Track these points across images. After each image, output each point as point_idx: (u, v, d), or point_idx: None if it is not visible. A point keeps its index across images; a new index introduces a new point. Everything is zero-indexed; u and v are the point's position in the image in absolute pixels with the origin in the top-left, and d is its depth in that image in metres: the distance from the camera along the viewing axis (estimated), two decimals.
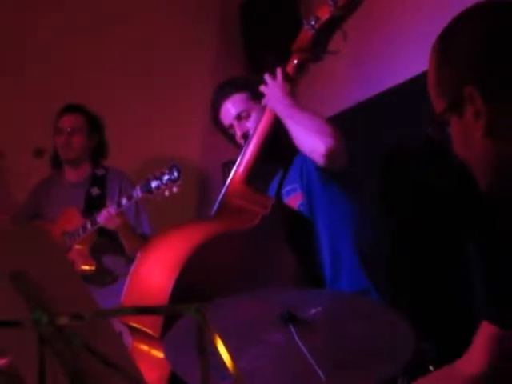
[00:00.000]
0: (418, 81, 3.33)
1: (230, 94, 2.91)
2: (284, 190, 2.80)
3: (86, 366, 0.88)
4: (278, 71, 2.73)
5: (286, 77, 2.72)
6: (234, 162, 2.82)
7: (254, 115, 2.85)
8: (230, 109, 2.89)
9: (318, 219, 2.72)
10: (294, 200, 2.76)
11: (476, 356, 1.49)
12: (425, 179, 3.17)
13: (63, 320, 0.83)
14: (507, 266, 1.40)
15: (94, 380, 0.87)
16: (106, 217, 3.56)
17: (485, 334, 1.47)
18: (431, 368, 2.55)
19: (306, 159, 2.69)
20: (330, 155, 2.58)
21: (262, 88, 2.75)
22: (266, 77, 2.75)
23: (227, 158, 4.34)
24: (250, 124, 2.84)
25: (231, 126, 2.90)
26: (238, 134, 2.86)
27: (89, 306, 0.94)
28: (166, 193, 3.36)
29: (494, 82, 1.30)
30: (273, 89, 2.71)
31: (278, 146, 2.79)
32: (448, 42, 1.38)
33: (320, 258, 2.74)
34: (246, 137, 2.81)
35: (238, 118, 2.87)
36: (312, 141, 2.61)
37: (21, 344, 0.89)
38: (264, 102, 2.75)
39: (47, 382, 0.80)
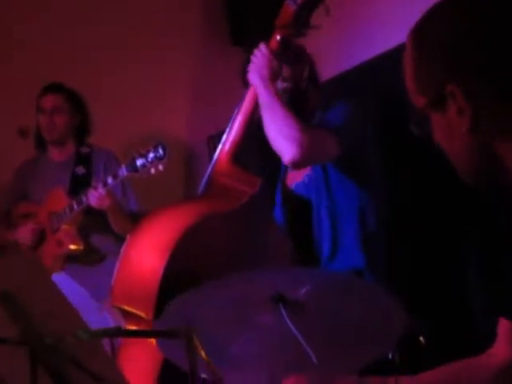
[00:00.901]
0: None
1: None
2: None
3: (75, 381, 0.88)
4: (262, 47, 2.71)
5: (270, 53, 2.69)
6: (220, 135, 2.81)
7: None
8: None
9: (321, 199, 2.74)
10: (299, 175, 2.78)
11: (499, 350, 1.50)
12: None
13: (52, 338, 0.83)
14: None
15: None
16: (96, 198, 3.55)
17: (504, 328, 1.49)
18: (422, 340, 2.57)
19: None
20: (294, 164, 2.61)
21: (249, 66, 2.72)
22: (252, 55, 2.72)
23: (213, 131, 4.33)
24: None
25: None
26: None
27: (76, 324, 0.94)
28: (152, 170, 3.37)
29: (475, 79, 1.27)
30: (257, 65, 2.69)
31: None
32: (423, 38, 1.34)
33: (317, 237, 2.76)
34: None
35: None
36: (279, 144, 2.59)
37: (11, 360, 0.89)
38: (247, 78, 2.72)
39: None
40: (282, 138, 2.58)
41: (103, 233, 3.85)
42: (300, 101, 2.85)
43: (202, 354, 0.89)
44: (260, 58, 2.68)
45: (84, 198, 3.61)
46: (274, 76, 2.68)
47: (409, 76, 1.37)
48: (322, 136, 2.64)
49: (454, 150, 1.35)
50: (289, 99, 2.79)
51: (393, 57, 3.34)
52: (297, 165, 2.61)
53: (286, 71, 2.82)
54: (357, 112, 2.77)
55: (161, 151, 3.32)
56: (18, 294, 0.90)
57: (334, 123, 2.70)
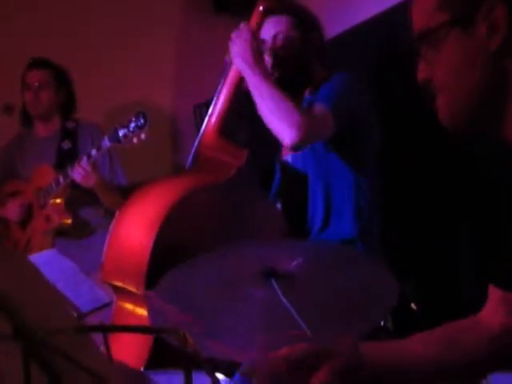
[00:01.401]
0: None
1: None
2: None
3: (69, 376, 0.88)
4: (242, 27, 2.66)
5: (251, 32, 2.64)
6: (206, 104, 2.79)
7: None
8: None
9: (316, 169, 2.73)
10: None
11: (488, 316, 1.50)
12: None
13: (44, 333, 0.83)
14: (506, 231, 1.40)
15: None
16: (80, 174, 3.54)
17: (494, 296, 1.49)
18: (413, 306, 2.59)
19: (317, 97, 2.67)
20: (294, 147, 2.56)
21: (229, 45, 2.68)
22: (232, 33, 2.68)
23: (199, 99, 4.31)
24: None
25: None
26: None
27: (68, 319, 0.94)
28: (135, 140, 3.36)
29: None
30: (239, 47, 2.62)
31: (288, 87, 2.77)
32: None
33: (309, 209, 2.76)
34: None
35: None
36: (276, 128, 2.53)
37: (5, 356, 0.89)
38: (229, 58, 2.68)
39: None
40: (278, 121, 2.52)
41: (92, 206, 3.85)
42: (303, 74, 2.81)
43: (195, 350, 0.88)
44: (241, 40, 2.62)
45: (70, 172, 3.60)
46: (258, 55, 2.62)
47: None
48: (317, 115, 2.59)
49: (462, 81, 1.30)
50: (290, 73, 2.76)
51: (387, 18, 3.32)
52: (296, 147, 2.58)
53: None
54: (352, 85, 2.72)
55: (142, 120, 3.32)
56: (8, 290, 0.89)
57: (328, 98, 2.64)
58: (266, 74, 2.61)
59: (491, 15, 1.24)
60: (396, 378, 1.47)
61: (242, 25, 2.66)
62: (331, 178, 2.72)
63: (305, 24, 2.79)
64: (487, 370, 1.53)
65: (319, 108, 2.61)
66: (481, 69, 1.28)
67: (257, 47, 2.62)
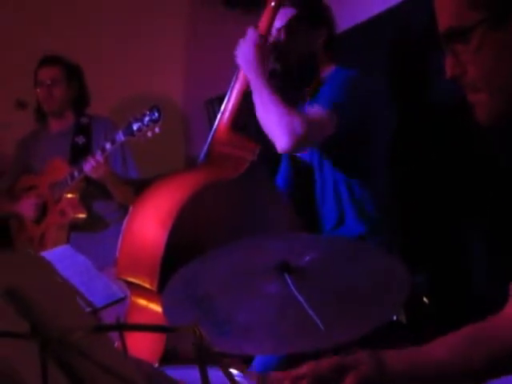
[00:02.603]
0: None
1: None
2: None
3: (86, 374, 0.89)
4: (250, 31, 2.66)
5: (260, 37, 2.65)
6: (218, 99, 2.79)
7: None
8: None
9: (325, 164, 2.73)
10: None
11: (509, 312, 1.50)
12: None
13: (61, 332, 0.84)
14: None
15: None
16: (92, 166, 3.56)
17: None
18: (425, 300, 2.59)
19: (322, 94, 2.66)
20: (285, 152, 2.58)
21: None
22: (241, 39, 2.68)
23: (211, 94, 4.32)
24: None
25: None
26: None
27: (83, 317, 0.95)
28: (149, 134, 3.38)
29: None
30: (244, 50, 2.65)
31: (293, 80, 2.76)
32: None
33: (320, 203, 2.76)
34: None
35: None
36: (271, 132, 2.54)
37: (22, 354, 0.91)
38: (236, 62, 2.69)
39: None
40: (274, 126, 2.53)
41: (106, 200, 3.87)
42: (307, 68, 2.80)
43: (210, 347, 0.89)
44: (247, 44, 2.64)
45: (84, 166, 3.62)
46: (263, 60, 2.63)
47: None
48: (315, 119, 2.57)
49: (502, 77, 1.29)
50: (292, 66, 2.76)
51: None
52: (288, 153, 2.59)
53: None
54: (357, 86, 2.70)
55: (156, 114, 3.33)
56: (26, 290, 0.91)
57: (330, 98, 2.62)
58: (266, 76, 2.62)
59: None
60: None
61: (249, 29, 2.66)
62: (338, 175, 2.72)
63: (311, 17, 2.78)
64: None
65: (318, 110, 2.59)
66: None
67: (263, 51, 2.63)
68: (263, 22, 2.67)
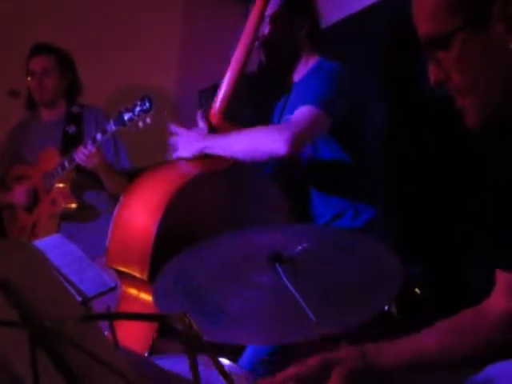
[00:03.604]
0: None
1: None
2: (285, 118, 2.77)
3: (76, 363, 0.88)
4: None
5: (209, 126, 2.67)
6: (211, 89, 2.79)
7: None
8: None
9: (318, 153, 2.72)
10: None
11: (497, 301, 1.50)
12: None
13: (51, 322, 0.84)
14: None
15: (86, 376, 0.88)
16: (84, 155, 3.55)
17: (502, 281, 1.49)
18: (417, 291, 2.59)
19: (308, 87, 2.65)
20: (293, 151, 2.49)
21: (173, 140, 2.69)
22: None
23: (203, 85, 4.30)
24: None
25: None
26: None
27: (75, 309, 0.94)
28: (140, 124, 3.36)
29: None
30: (182, 140, 2.66)
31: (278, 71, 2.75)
32: None
33: (313, 195, 2.75)
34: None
35: None
36: (265, 151, 2.49)
37: (14, 345, 0.90)
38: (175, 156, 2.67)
39: (42, 378, 0.81)
40: (264, 146, 2.49)
41: (97, 190, 3.86)
42: (290, 57, 2.79)
43: (199, 334, 0.88)
44: (185, 142, 2.65)
45: (75, 156, 3.61)
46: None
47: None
48: (303, 120, 2.54)
49: (487, 79, 1.29)
50: (276, 55, 2.75)
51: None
52: (290, 153, 2.54)
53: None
54: (345, 79, 2.68)
55: (147, 104, 3.32)
56: (16, 279, 0.90)
57: (318, 95, 2.60)
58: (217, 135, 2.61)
59: (507, 11, 1.24)
60: (407, 374, 1.48)
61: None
62: (329, 169, 2.72)
63: (295, 6, 2.77)
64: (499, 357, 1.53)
65: (306, 110, 2.56)
66: (503, 64, 1.28)
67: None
68: (257, 8, 2.66)
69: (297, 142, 2.45)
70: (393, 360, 1.47)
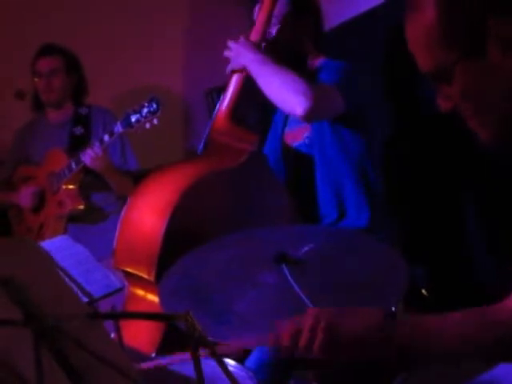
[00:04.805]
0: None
1: None
2: (291, 118, 2.78)
3: (80, 362, 0.89)
4: (241, 39, 2.67)
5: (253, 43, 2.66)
6: (217, 89, 2.79)
7: None
8: None
9: (320, 155, 2.72)
10: (301, 131, 2.75)
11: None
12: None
13: (55, 320, 0.84)
14: None
15: (89, 375, 0.88)
16: (90, 157, 3.55)
17: None
18: (424, 292, 2.59)
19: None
20: (307, 116, 2.51)
21: (226, 53, 2.69)
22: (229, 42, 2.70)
23: (210, 85, 4.31)
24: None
25: None
26: None
27: (79, 306, 0.94)
28: (147, 125, 3.37)
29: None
30: (236, 50, 2.66)
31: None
32: None
33: (321, 196, 2.75)
34: None
35: None
36: (286, 100, 2.52)
37: (19, 344, 0.90)
38: (228, 68, 2.69)
39: (46, 376, 0.82)
40: (288, 93, 2.51)
41: (105, 192, 3.86)
42: (293, 57, 2.79)
43: (203, 335, 0.89)
44: (237, 50, 2.66)
45: (82, 157, 3.61)
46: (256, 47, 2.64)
47: (433, 35, 1.30)
48: (325, 89, 2.58)
49: (491, 102, 1.31)
50: (279, 54, 2.75)
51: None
52: (309, 117, 2.54)
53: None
54: (353, 70, 2.69)
55: (154, 105, 3.33)
56: (21, 278, 0.90)
57: (331, 81, 2.63)
58: (265, 57, 2.61)
59: (501, 35, 1.25)
60: (423, 355, 1.48)
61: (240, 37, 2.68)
62: (337, 164, 2.71)
63: (302, 7, 2.77)
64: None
65: (324, 84, 2.60)
66: (504, 86, 1.29)
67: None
68: (264, 9, 2.66)
69: (314, 111, 2.48)
70: (412, 338, 1.47)
